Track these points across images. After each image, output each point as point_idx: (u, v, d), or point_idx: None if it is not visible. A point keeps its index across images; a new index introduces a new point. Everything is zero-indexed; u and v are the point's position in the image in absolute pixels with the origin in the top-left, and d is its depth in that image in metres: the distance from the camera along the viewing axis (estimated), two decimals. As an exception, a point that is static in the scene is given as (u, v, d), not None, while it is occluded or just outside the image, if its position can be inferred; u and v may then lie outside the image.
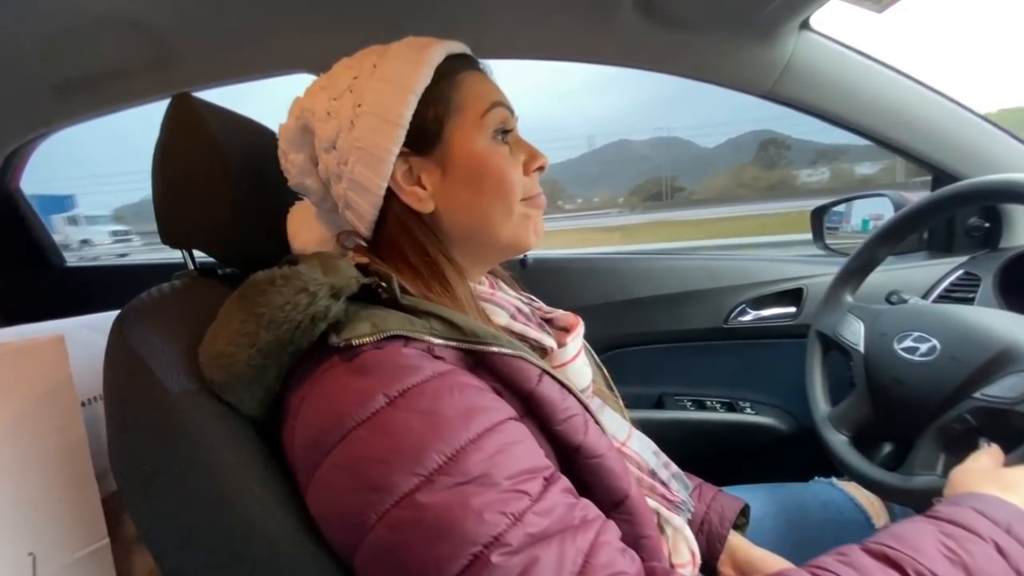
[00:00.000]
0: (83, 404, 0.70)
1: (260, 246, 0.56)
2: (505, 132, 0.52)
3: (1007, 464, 0.51)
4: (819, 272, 1.09)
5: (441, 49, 0.50)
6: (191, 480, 0.41)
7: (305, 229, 0.55)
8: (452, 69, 0.51)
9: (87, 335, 0.75)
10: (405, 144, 0.49)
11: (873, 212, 1.15)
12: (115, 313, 0.77)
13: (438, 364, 0.41)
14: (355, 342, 0.40)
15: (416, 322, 0.42)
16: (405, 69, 0.48)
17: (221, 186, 0.52)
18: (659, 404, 1.15)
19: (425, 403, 0.38)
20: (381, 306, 0.43)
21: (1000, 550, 0.38)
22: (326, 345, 0.41)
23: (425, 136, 0.49)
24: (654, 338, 1.16)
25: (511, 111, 0.53)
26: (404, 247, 0.50)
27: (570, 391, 0.46)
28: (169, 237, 0.56)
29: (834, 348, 0.78)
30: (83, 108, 1.09)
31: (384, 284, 0.43)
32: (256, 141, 0.57)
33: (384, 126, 0.47)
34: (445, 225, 0.51)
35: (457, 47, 0.53)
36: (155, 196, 0.55)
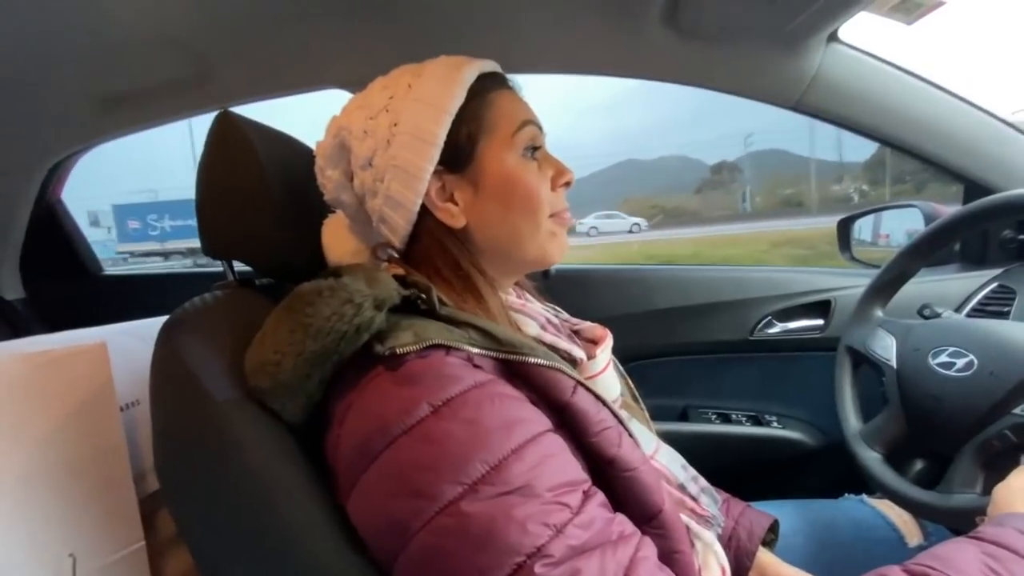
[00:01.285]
0: (122, 409, 0.72)
1: (297, 257, 0.57)
2: (535, 149, 0.53)
3: None
4: (846, 284, 1.08)
5: (474, 68, 0.52)
6: (235, 486, 0.42)
7: (339, 241, 0.57)
8: (484, 88, 0.52)
9: (126, 341, 0.78)
10: (439, 162, 0.50)
11: (909, 227, 1.12)
12: (153, 320, 0.80)
13: (478, 374, 0.41)
14: (399, 351, 0.41)
15: (455, 332, 0.43)
16: (439, 89, 0.50)
17: (262, 200, 0.54)
18: (684, 416, 1.14)
19: (468, 413, 0.39)
20: (420, 316, 0.44)
21: None
22: (370, 354, 0.42)
23: (459, 154, 0.51)
24: (678, 349, 1.15)
25: (540, 128, 0.55)
26: (437, 260, 0.51)
27: (604, 403, 0.46)
28: (211, 248, 0.58)
29: (865, 363, 0.76)
30: (126, 122, 1.13)
31: (424, 295, 0.45)
32: (293, 157, 0.59)
33: (419, 145, 0.49)
34: (476, 239, 0.53)
35: (489, 65, 0.54)
36: (198, 209, 0.58)
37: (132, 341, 0.79)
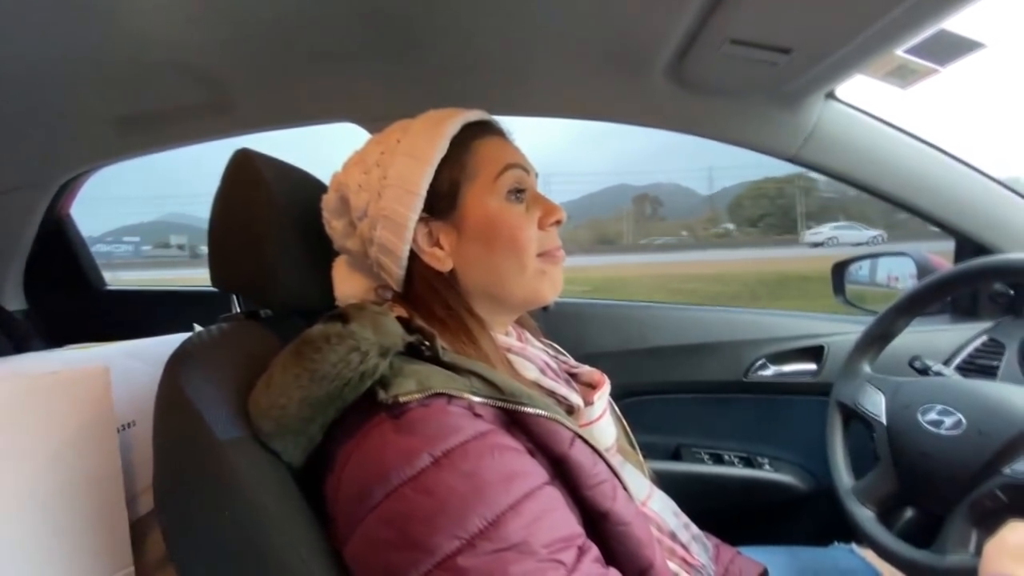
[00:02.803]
0: (118, 430, 0.72)
1: (305, 294, 0.59)
2: (520, 191, 0.55)
3: None
4: (840, 331, 1.09)
5: (457, 121, 0.55)
6: (233, 525, 0.43)
7: (348, 281, 0.59)
8: (469, 137, 0.55)
9: (125, 362, 0.78)
10: (425, 209, 0.53)
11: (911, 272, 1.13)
12: (151, 341, 0.80)
13: (479, 423, 0.42)
14: (402, 399, 0.42)
15: (458, 379, 0.44)
16: (424, 143, 0.53)
17: (273, 238, 0.56)
18: (676, 455, 1.14)
19: (468, 465, 0.40)
20: (422, 362, 0.46)
21: None
22: (373, 400, 0.43)
23: (442, 201, 0.54)
24: (673, 387, 1.15)
25: (526, 170, 0.57)
26: (430, 302, 0.54)
27: (600, 456, 0.47)
28: (220, 281, 0.60)
29: (855, 419, 0.77)
30: (140, 144, 1.16)
31: (428, 342, 0.46)
32: (308, 194, 0.60)
33: (404, 195, 0.52)
34: (464, 282, 0.55)
35: (474, 115, 0.57)
36: (210, 241, 0.59)
37: (131, 361, 0.79)
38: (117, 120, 1.09)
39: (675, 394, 1.15)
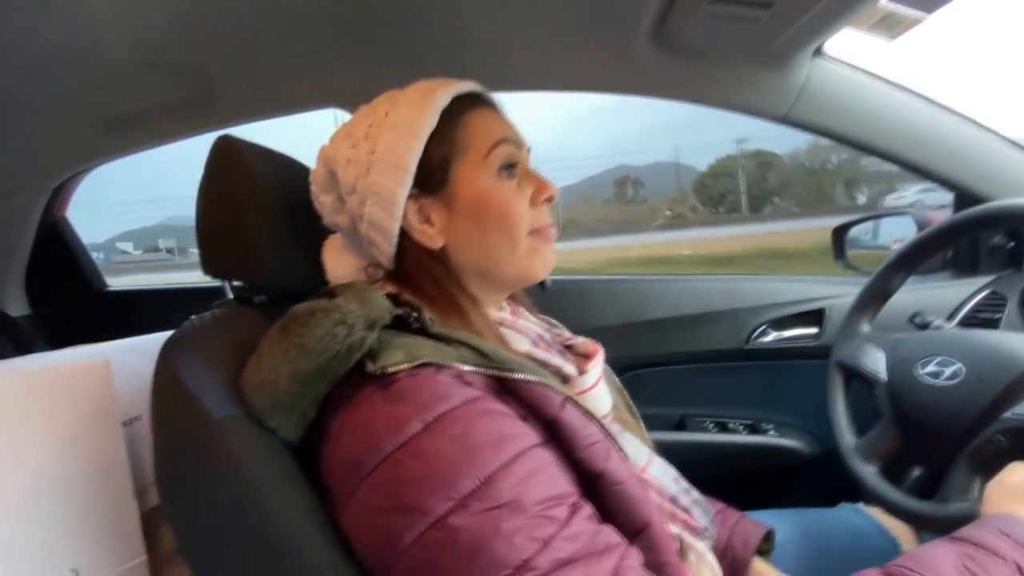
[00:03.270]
0: (124, 424, 0.74)
1: (296, 277, 0.59)
2: (511, 167, 0.54)
3: None
4: (840, 293, 1.09)
5: (447, 92, 0.53)
6: (233, 502, 0.44)
7: (339, 260, 0.59)
8: (459, 109, 0.53)
9: (127, 358, 0.79)
10: (415, 185, 0.52)
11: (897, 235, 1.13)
12: (154, 336, 0.81)
13: (468, 390, 0.42)
14: (390, 369, 0.42)
15: (446, 350, 0.44)
16: (412, 115, 0.51)
17: (260, 223, 0.56)
18: (680, 425, 1.14)
19: (458, 429, 0.40)
20: (411, 334, 0.46)
21: (1021, 570, 0.39)
22: (362, 373, 0.43)
23: (432, 177, 0.52)
24: (675, 359, 1.16)
25: (518, 145, 0.55)
26: (420, 279, 0.53)
27: (592, 418, 0.47)
28: (211, 269, 0.60)
29: (856, 378, 0.77)
30: (130, 143, 1.16)
31: (415, 314, 0.46)
32: (294, 178, 0.60)
33: (393, 171, 0.51)
34: (455, 259, 0.54)
35: (465, 87, 0.55)
36: (198, 231, 0.59)
37: (133, 357, 0.80)
38: (104, 121, 1.09)
39: (677, 365, 1.16)
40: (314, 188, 0.57)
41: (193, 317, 0.58)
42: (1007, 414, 0.57)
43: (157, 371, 0.51)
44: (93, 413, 0.66)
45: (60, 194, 1.36)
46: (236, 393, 0.46)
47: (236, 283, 0.65)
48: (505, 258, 0.54)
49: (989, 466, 0.57)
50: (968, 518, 0.56)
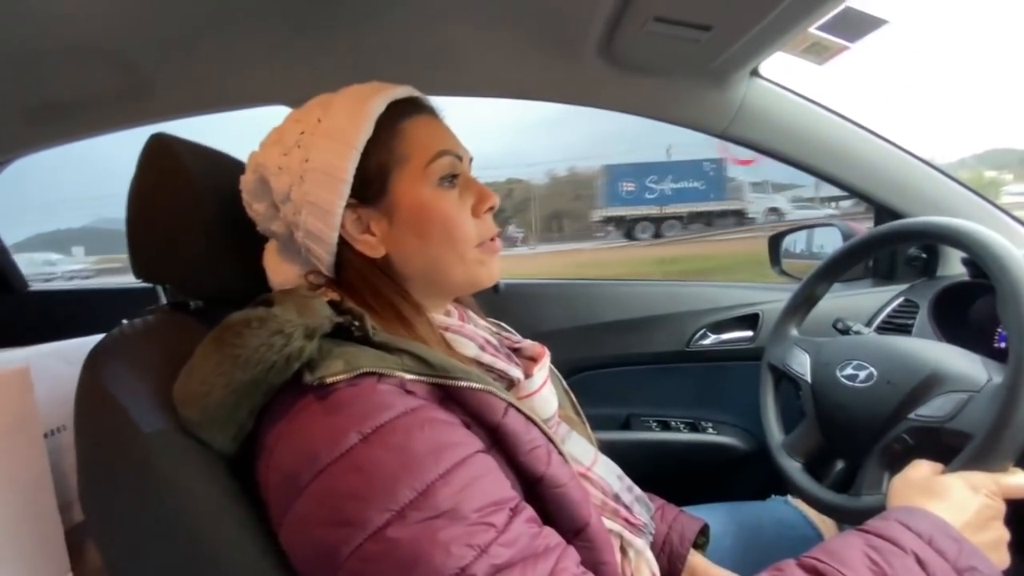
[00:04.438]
0: (46, 435, 0.69)
1: (234, 282, 0.57)
2: (453, 177, 0.53)
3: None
4: (774, 298, 1.16)
5: (383, 98, 0.52)
6: (163, 519, 0.42)
7: (279, 268, 0.57)
8: (397, 117, 0.52)
9: (51, 364, 0.75)
10: (352, 195, 0.51)
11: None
12: (79, 341, 0.77)
13: (409, 400, 0.43)
14: (328, 380, 0.41)
15: (388, 358, 0.44)
16: (347, 124, 0.50)
17: (195, 225, 0.54)
18: (627, 424, 1.18)
19: (397, 440, 0.40)
20: (353, 343, 0.45)
21: (920, 561, 0.42)
22: (300, 383, 0.42)
23: (370, 187, 0.51)
24: (622, 360, 1.19)
25: (459, 155, 0.54)
26: (361, 289, 0.52)
27: (535, 423, 0.48)
28: (142, 272, 0.57)
29: (785, 379, 0.82)
30: (55, 134, 1.08)
31: (357, 323, 0.45)
32: (231, 178, 0.58)
33: (329, 181, 0.50)
34: (398, 268, 0.53)
35: (402, 92, 0.54)
36: (129, 231, 0.57)
37: (57, 364, 0.76)
38: (28, 109, 1.01)
39: (624, 367, 1.19)
40: (246, 196, 0.55)
41: (124, 322, 0.55)
42: (912, 415, 0.62)
43: (82, 379, 0.49)
44: (11, 423, 0.62)
45: (-26, 186, 1.26)
46: (167, 404, 0.45)
47: (171, 287, 0.62)
48: (451, 268, 0.53)
49: (897, 463, 0.61)
50: (877, 510, 0.61)
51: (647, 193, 13.56)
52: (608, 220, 14.04)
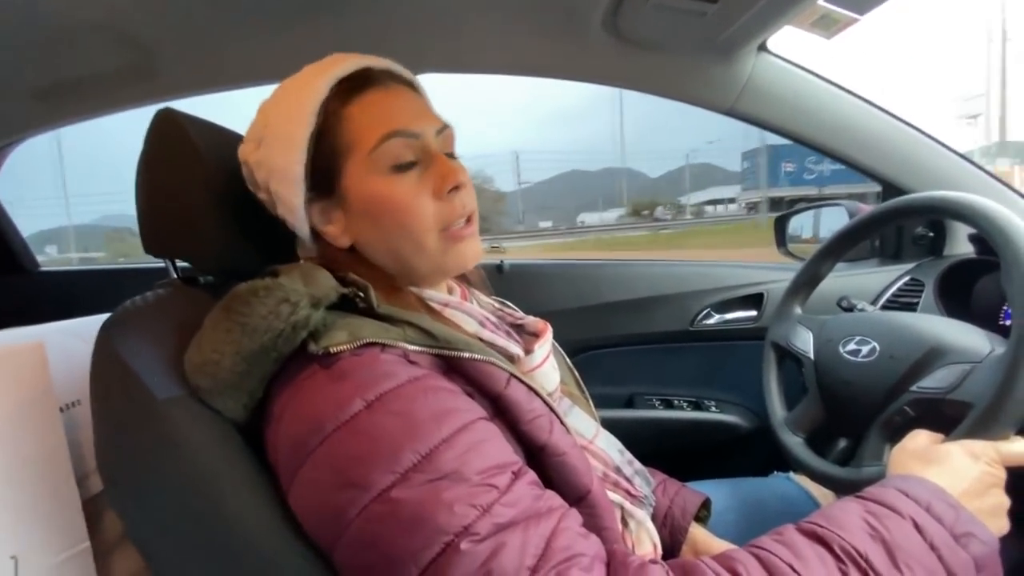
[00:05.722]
0: (62, 409, 0.71)
1: (242, 255, 0.58)
2: (408, 162, 0.50)
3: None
4: (778, 278, 1.15)
5: (324, 83, 0.49)
6: (179, 484, 0.43)
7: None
8: (343, 98, 0.49)
9: (65, 340, 0.76)
10: (310, 189, 0.51)
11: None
12: (92, 319, 0.78)
13: (413, 369, 0.43)
14: (333, 349, 0.42)
15: (392, 330, 0.45)
16: (287, 124, 0.50)
17: (203, 199, 0.55)
18: (630, 403, 1.19)
19: (400, 406, 0.41)
20: (358, 315, 0.46)
21: (917, 526, 0.42)
22: (307, 353, 0.43)
23: (323, 180, 0.51)
24: (625, 340, 1.20)
25: (415, 133, 0.50)
26: (349, 270, 0.52)
27: (537, 394, 0.49)
28: (152, 247, 0.58)
29: (787, 356, 0.82)
30: (63, 113, 1.08)
31: (362, 294, 0.46)
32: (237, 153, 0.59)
33: (285, 181, 0.51)
34: (369, 256, 0.54)
35: (348, 67, 0.50)
36: (138, 208, 0.57)
37: (71, 340, 0.77)
38: (38, 89, 1.02)
39: (628, 346, 1.20)
40: (249, 186, 0.56)
41: (136, 297, 0.56)
42: (913, 388, 0.62)
43: (96, 351, 0.50)
44: (27, 397, 0.63)
45: (-16, 169, 1.27)
46: (180, 373, 0.46)
47: (181, 263, 0.63)
48: (414, 257, 0.52)
49: (898, 434, 0.62)
50: (878, 480, 0.62)
51: (806, 174, 13.28)
52: (755, 204, 13.67)
